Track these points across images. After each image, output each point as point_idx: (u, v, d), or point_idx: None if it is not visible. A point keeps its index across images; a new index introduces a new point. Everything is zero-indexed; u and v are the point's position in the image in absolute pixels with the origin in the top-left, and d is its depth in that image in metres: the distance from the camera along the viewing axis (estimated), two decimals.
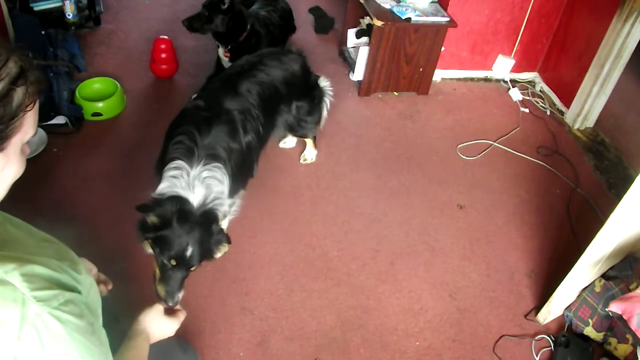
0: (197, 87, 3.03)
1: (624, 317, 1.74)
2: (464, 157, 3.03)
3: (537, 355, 2.09)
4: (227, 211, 2.00)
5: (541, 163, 3.06)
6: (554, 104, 3.53)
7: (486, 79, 3.74)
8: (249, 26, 2.86)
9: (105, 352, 0.91)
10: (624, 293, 1.95)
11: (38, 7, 3.44)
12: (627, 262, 2.05)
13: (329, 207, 2.59)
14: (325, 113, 2.70)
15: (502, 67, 3.64)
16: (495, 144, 3.15)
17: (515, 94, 3.58)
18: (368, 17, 3.33)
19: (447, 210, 2.68)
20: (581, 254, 1.94)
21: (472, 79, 3.72)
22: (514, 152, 3.11)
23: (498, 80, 3.73)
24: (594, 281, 2.10)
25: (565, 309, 2.18)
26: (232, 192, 2.01)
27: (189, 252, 1.67)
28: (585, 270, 2.00)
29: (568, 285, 2.05)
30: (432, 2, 3.26)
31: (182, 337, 1.87)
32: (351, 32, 3.66)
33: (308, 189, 2.68)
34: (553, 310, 2.16)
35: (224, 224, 2.08)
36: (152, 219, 1.69)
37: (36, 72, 0.80)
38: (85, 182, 2.51)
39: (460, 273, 2.38)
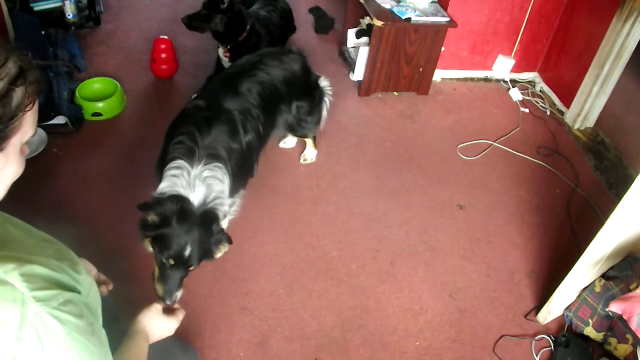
0: (197, 87, 3.03)
1: (624, 317, 1.74)
2: (464, 157, 3.03)
3: (537, 355, 2.09)
4: (228, 211, 2.00)
5: (541, 163, 3.06)
6: (554, 104, 3.53)
7: (486, 79, 3.74)
8: (248, 26, 2.86)
9: (105, 352, 0.91)
10: (624, 293, 1.95)
11: (38, 7, 3.44)
12: (627, 262, 2.05)
13: (329, 207, 2.59)
14: (325, 113, 2.70)
15: (502, 67, 3.64)
16: (495, 144, 3.15)
17: (515, 94, 3.58)
18: (368, 17, 3.33)
19: (447, 210, 2.68)
20: (581, 254, 1.94)
21: (472, 79, 3.72)
22: (514, 152, 3.11)
23: (498, 80, 3.73)
24: (594, 281, 2.10)
25: (565, 309, 2.18)
26: (233, 192, 2.01)
27: (187, 252, 1.67)
28: (585, 270, 2.00)
29: (568, 285, 2.05)
30: (432, 2, 3.26)
31: (182, 337, 1.88)
32: (351, 32, 3.66)
33: (308, 189, 2.68)
34: (553, 310, 2.16)
35: (224, 224, 2.08)
36: (152, 217, 1.69)
37: (35, 72, 0.80)
38: (85, 182, 2.51)
39: (460, 273, 2.38)
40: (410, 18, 3.07)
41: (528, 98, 3.60)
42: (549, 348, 2.12)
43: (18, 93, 0.77)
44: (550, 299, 2.13)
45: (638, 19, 2.86)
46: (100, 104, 2.86)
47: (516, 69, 3.69)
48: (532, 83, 3.74)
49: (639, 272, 1.98)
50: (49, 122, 2.70)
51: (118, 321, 1.28)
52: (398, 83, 3.39)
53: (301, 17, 3.97)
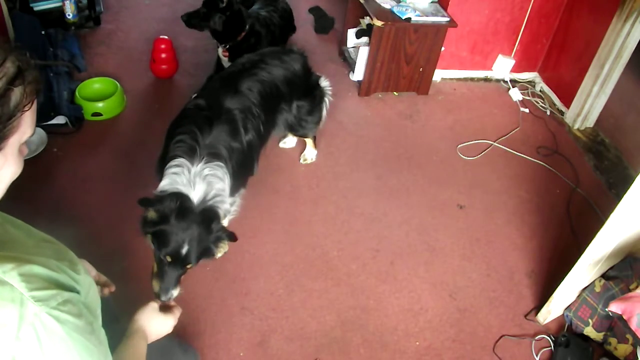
0: (197, 87, 3.03)
1: (624, 317, 1.74)
2: (464, 157, 3.03)
3: (537, 355, 2.09)
4: (228, 209, 2.00)
5: (541, 163, 3.06)
6: (554, 104, 3.53)
7: (486, 79, 3.74)
8: (247, 26, 2.86)
9: (105, 351, 0.91)
10: (624, 293, 1.95)
11: (38, 7, 3.44)
12: (627, 262, 2.05)
13: (329, 207, 2.59)
14: (325, 113, 2.70)
15: (502, 67, 3.64)
16: (495, 144, 3.15)
17: (515, 94, 3.58)
18: (368, 17, 3.33)
19: (447, 210, 2.68)
20: (581, 254, 1.94)
21: (472, 79, 3.72)
22: (514, 152, 3.11)
23: (498, 80, 3.73)
24: (594, 281, 2.10)
25: (565, 309, 2.18)
26: (233, 191, 2.01)
27: (184, 250, 1.67)
28: (585, 270, 2.00)
29: (568, 285, 2.05)
30: (432, 2, 3.26)
31: (182, 337, 1.88)
32: (351, 32, 3.66)
33: (308, 189, 2.68)
34: (553, 310, 2.16)
35: (225, 223, 2.08)
36: (151, 214, 1.69)
37: (34, 72, 0.79)
38: (85, 182, 2.51)
39: (460, 273, 2.38)
40: (410, 18, 3.06)
41: (528, 98, 3.60)
42: (549, 348, 2.12)
43: (16, 93, 0.77)
44: (550, 299, 2.13)
45: (638, 19, 2.86)
46: (100, 104, 2.86)
47: (516, 69, 3.69)
48: (532, 83, 3.74)
49: (639, 272, 1.98)
50: (49, 122, 2.70)
51: (118, 321, 1.28)
52: (398, 83, 3.39)
53: (301, 17, 3.97)
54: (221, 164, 1.89)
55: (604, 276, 2.09)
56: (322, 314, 2.12)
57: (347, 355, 2.00)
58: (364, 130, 3.12)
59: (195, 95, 2.17)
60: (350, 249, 2.40)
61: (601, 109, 3.27)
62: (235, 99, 2.06)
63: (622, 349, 2.01)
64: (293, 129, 2.55)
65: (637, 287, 1.91)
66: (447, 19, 3.15)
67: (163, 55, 3.18)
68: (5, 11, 2.99)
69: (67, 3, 3.40)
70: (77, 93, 2.87)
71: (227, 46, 2.91)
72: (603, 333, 2.07)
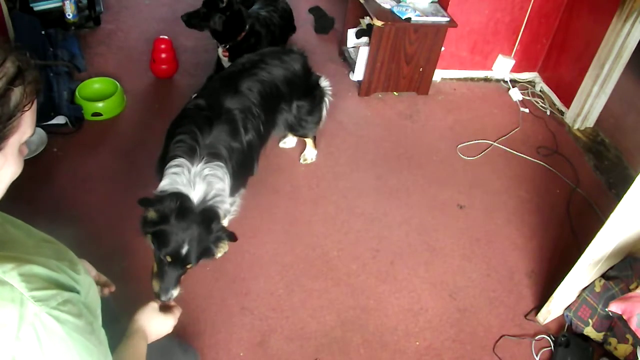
0: (197, 87, 3.03)
1: (624, 317, 1.74)
2: (464, 157, 3.03)
3: (537, 355, 2.09)
4: (228, 209, 2.00)
5: (541, 163, 3.06)
6: (554, 104, 3.53)
7: (486, 79, 3.74)
8: (247, 26, 2.86)
9: (105, 351, 0.91)
10: (624, 293, 1.95)
11: (38, 7, 3.44)
12: (627, 262, 2.05)
13: (329, 207, 2.59)
14: (324, 113, 2.70)
15: (502, 67, 3.64)
16: (495, 144, 3.15)
17: (515, 94, 3.58)
18: (368, 17, 3.33)
19: (447, 210, 2.68)
20: (581, 254, 1.94)
21: (472, 79, 3.72)
22: (514, 152, 3.11)
23: (498, 80, 3.73)
24: (594, 281, 2.10)
25: (565, 309, 2.18)
26: (233, 191, 2.01)
27: (184, 250, 1.67)
28: (585, 270, 2.00)
29: (568, 285, 2.05)
30: (432, 2, 3.26)
31: (182, 337, 1.88)
32: (351, 32, 3.66)
33: (308, 189, 2.68)
34: (553, 310, 2.16)
35: (225, 223, 2.08)
36: (151, 214, 1.69)
37: (34, 72, 0.79)
38: (85, 182, 2.51)
39: (460, 273, 2.38)
40: (410, 18, 3.06)
41: (528, 98, 3.60)
42: (549, 348, 2.12)
43: (16, 93, 0.77)
44: (550, 299, 2.13)
45: (638, 19, 2.86)
46: (100, 104, 2.86)
47: (516, 69, 3.69)
48: (532, 83, 3.74)
49: (639, 272, 1.98)
50: (49, 122, 2.70)
51: (118, 321, 1.28)
52: (398, 83, 3.39)
53: (301, 17, 3.97)
54: (221, 164, 1.89)
55: (604, 276, 2.09)
56: (322, 314, 2.12)
57: (347, 355, 2.00)
58: (364, 130, 3.12)
59: (195, 95, 2.18)
60: (350, 249, 2.40)
61: (601, 109, 3.27)
62: (235, 99, 2.06)
63: (622, 349, 2.01)
64: (293, 129, 2.55)
65: (637, 287, 1.91)
66: (447, 19, 3.15)
67: (163, 55, 3.18)
68: (5, 11, 2.99)
69: (67, 3, 3.40)
70: (77, 93, 2.87)
71: (227, 46, 2.91)
72: (603, 333, 2.07)
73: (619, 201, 1.77)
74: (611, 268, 2.09)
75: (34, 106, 0.82)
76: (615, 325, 2.02)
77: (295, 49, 2.52)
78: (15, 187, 0.87)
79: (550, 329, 2.19)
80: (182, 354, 1.48)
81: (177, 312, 1.32)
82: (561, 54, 3.49)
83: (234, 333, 2.00)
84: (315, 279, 2.25)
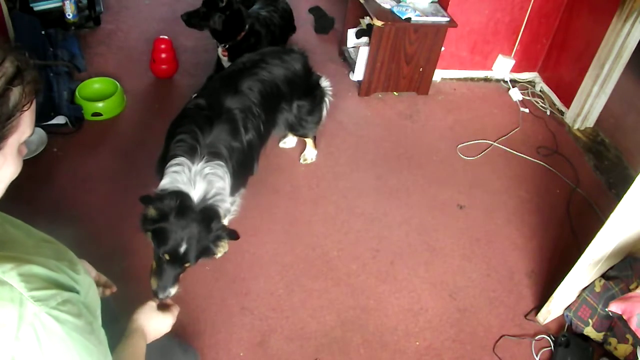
0: (197, 87, 3.03)
1: (624, 317, 1.74)
2: (464, 157, 3.03)
3: (537, 355, 2.09)
4: (229, 209, 2.00)
5: (541, 163, 3.06)
6: (554, 104, 3.53)
7: (486, 79, 3.74)
8: (247, 26, 2.86)
9: (104, 351, 0.91)
10: (624, 293, 1.95)
11: (38, 7, 3.44)
12: (627, 262, 2.05)
13: (329, 207, 2.59)
14: (325, 113, 2.70)
15: (502, 67, 3.64)
16: (495, 144, 3.15)
17: (515, 94, 3.58)
18: (368, 17, 3.33)
19: (447, 210, 2.68)
20: (581, 254, 1.94)
21: (472, 79, 3.72)
22: (514, 152, 3.11)
23: (498, 80, 3.73)
24: (594, 281, 2.10)
25: (565, 309, 2.18)
26: (233, 191, 2.01)
27: (183, 248, 1.67)
28: (585, 270, 2.00)
29: (568, 285, 2.05)
30: (432, 2, 3.26)
31: (182, 337, 1.88)
32: (351, 32, 3.66)
33: (308, 189, 2.68)
34: (553, 310, 2.16)
35: (225, 223, 2.08)
36: (151, 211, 1.70)
37: (33, 72, 0.79)
38: (85, 182, 2.51)
39: (460, 273, 2.38)
40: (410, 18, 3.06)
41: (528, 98, 3.60)
42: (549, 348, 2.12)
43: (15, 93, 0.77)
44: (550, 299, 2.12)
45: (638, 19, 2.86)
46: (100, 104, 2.86)
47: (516, 69, 3.69)
48: (532, 83, 3.74)
49: (639, 272, 1.98)
50: (49, 122, 2.70)
51: (118, 321, 1.28)
52: (398, 83, 3.39)
53: (301, 17, 3.97)
54: (222, 163, 1.89)
55: (604, 276, 2.09)
56: (322, 314, 2.12)
57: (347, 355, 2.00)
58: (364, 130, 3.12)
59: (196, 95, 2.18)
60: (350, 249, 2.40)
61: (601, 109, 3.27)
62: (235, 99, 2.06)
63: (622, 349, 2.01)
64: (293, 128, 2.55)
65: (637, 287, 1.91)
66: (447, 19, 3.15)
67: (163, 55, 3.18)
68: (5, 11, 2.99)
69: (67, 3, 3.40)
70: (77, 93, 2.87)
71: (227, 46, 2.91)
72: (603, 333, 2.07)
73: (619, 201, 1.77)
74: (611, 268, 2.09)
75: (33, 106, 0.82)
76: (615, 325, 2.02)
77: (296, 48, 2.52)
78: (15, 187, 0.87)
79: (550, 329, 2.19)
80: (182, 354, 1.48)
81: (176, 311, 1.32)
82: (561, 54, 3.49)
83: (234, 333, 2.00)
84: (315, 279, 2.25)
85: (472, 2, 3.30)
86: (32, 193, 2.37)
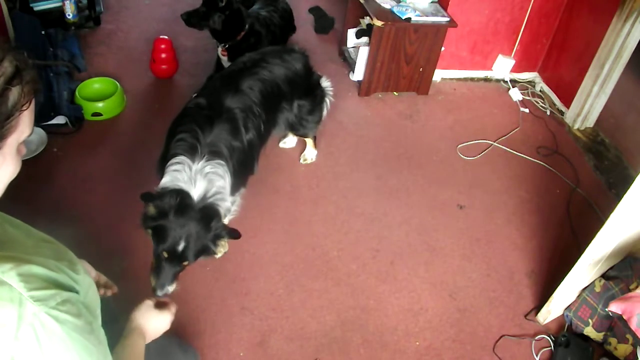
0: (197, 87, 3.02)
1: (624, 317, 1.74)
2: (464, 157, 3.03)
3: (537, 355, 2.09)
4: (229, 207, 2.00)
5: (541, 163, 3.05)
6: (554, 104, 3.53)
7: (486, 79, 3.74)
8: (247, 26, 2.86)
9: (104, 351, 0.91)
10: (624, 293, 1.95)
11: (38, 7, 3.44)
12: (627, 262, 2.05)
13: (329, 207, 2.59)
14: (325, 113, 2.70)
15: (502, 67, 3.64)
16: (495, 144, 3.15)
17: (515, 94, 3.58)
18: (368, 17, 3.33)
19: (447, 210, 2.68)
20: (581, 254, 1.94)
21: (472, 79, 3.72)
22: (514, 152, 3.11)
23: (498, 80, 3.73)
24: (594, 281, 2.10)
25: (565, 309, 2.18)
26: (233, 190, 2.02)
27: (181, 247, 1.68)
28: (585, 270, 2.00)
29: (568, 285, 2.05)
30: (432, 2, 3.26)
31: (182, 337, 1.88)
32: (351, 32, 3.66)
33: (308, 189, 2.68)
34: (553, 310, 2.16)
35: (225, 222, 2.08)
36: (150, 209, 1.70)
37: (32, 72, 0.80)
38: (85, 182, 2.51)
39: (460, 273, 2.38)
40: (410, 18, 3.06)
41: (528, 98, 3.60)
42: (549, 348, 2.12)
43: (14, 93, 0.77)
44: (550, 299, 2.12)
45: (638, 19, 2.86)
46: (100, 104, 2.86)
47: (516, 69, 3.69)
48: (532, 83, 3.74)
49: (639, 272, 1.98)
50: (49, 122, 2.70)
51: (117, 321, 1.28)
52: (398, 83, 3.38)
53: (301, 17, 3.97)
54: (222, 162, 1.90)
55: (604, 276, 2.09)
56: (322, 314, 2.12)
57: (347, 355, 2.00)
58: (364, 130, 3.12)
59: (196, 94, 2.18)
60: (350, 249, 2.40)
61: (601, 109, 3.27)
62: (236, 98, 2.06)
63: (622, 349, 2.01)
64: (294, 128, 2.55)
65: (637, 287, 1.91)
66: (447, 19, 3.15)
67: (163, 55, 3.18)
68: (5, 11, 2.99)
69: (67, 3, 3.40)
70: (77, 93, 2.87)
71: (227, 46, 2.91)
72: (603, 333, 2.07)
73: (619, 201, 1.77)
74: (611, 268, 2.09)
75: (32, 106, 0.82)
76: (615, 325, 2.02)
77: (297, 48, 2.51)
78: (15, 187, 0.87)
79: (550, 329, 2.19)
80: (182, 354, 1.48)
81: (173, 308, 1.31)
82: (561, 54, 3.49)
83: (234, 333, 2.00)
84: (315, 279, 2.25)
85: (472, 2, 3.30)
86: (32, 193, 2.37)
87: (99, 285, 1.27)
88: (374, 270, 2.33)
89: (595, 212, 2.76)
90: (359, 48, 3.40)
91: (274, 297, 2.15)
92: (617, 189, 2.90)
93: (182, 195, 1.74)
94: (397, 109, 3.34)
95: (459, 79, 3.69)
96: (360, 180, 2.77)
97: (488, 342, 2.12)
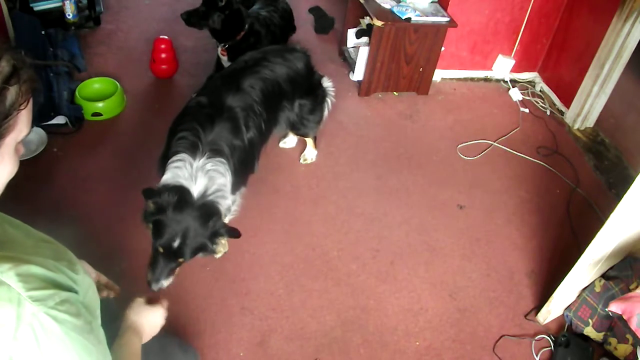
0: (197, 87, 3.02)
1: (624, 317, 1.74)
2: (464, 157, 3.03)
3: (537, 355, 2.09)
4: (230, 205, 2.00)
5: (541, 163, 3.05)
6: (554, 104, 3.53)
7: (486, 79, 3.74)
8: (247, 25, 2.86)
9: (104, 350, 0.91)
10: (624, 293, 1.95)
11: (38, 7, 3.44)
12: (627, 262, 2.05)
13: (329, 207, 2.59)
14: (326, 113, 2.70)
15: (502, 67, 3.64)
16: (495, 144, 3.15)
17: (515, 94, 3.58)
18: (368, 17, 3.33)
19: (447, 210, 2.68)
20: (581, 254, 1.94)
21: (472, 79, 3.72)
22: (514, 152, 3.11)
23: (498, 80, 3.73)
24: (594, 281, 2.10)
25: (565, 309, 2.18)
26: (234, 189, 2.02)
27: (176, 243, 1.69)
28: (585, 270, 2.00)
29: (568, 285, 2.05)
30: (432, 2, 3.25)
31: (182, 337, 1.88)
32: (351, 32, 3.66)
33: (308, 189, 2.68)
34: (553, 310, 2.16)
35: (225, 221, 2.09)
36: (149, 205, 1.71)
37: (29, 71, 0.80)
38: (85, 182, 2.51)
39: (460, 273, 2.37)
40: (410, 18, 3.06)
41: (528, 98, 3.60)
42: (549, 348, 2.12)
43: (12, 92, 0.77)
44: (550, 299, 2.12)
45: (638, 19, 2.86)
46: (100, 104, 2.86)
47: (516, 69, 3.69)
48: (532, 83, 3.74)
49: (639, 272, 1.98)
50: (49, 122, 2.70)
51: (117, 320, 1.28)
52: (398, 83, 3.38)
53: (301, 17, 3.97)
54: (223, 160, 1.90)
55: (604, 276, 2.09)
56: (322, 314, 2.12)
57: (347, 355, 2.00)
58: (364, 130, 3.12)
59: (196, 94, 2.18)
60: (350, 249, 2.40)
61: (601, 109, 3.27)
62: (237, 97, 2.06)
63: (622, 349, 2.01)
64: (294, 127, 2.54)
65: (637, 287, 1.91)
66: (447, 19, 3.15)
67: (163, 55, 3.18)
68: (5, 11, 2.99)
69: (67, 3, 3.40)
70: (77, 93, 2.87)
71: (226, 45, 2.91)
72: (603, 333, 2.07)
73: (619, 201, 1.77)
74: (611, 268, 2.09)
75: (30, 105, 0.82)
76: (615, 325, 2.02)
77: (299, 47, 2.50)
78: (15, 187, 0.87)
79: (550, 329, 2.19)
80: (182, 354, 1.48)
81: (165, 302, 1.30)
82: (561, 54, 3.49)
83: (234, 333, 2.00)
84: (315, 279, 2.25)
85: (472, 2, 3.30)
86: (32, 193, 2.37)
87: (99, 285, 1.27)
88: (374, 270, 2.33)
89: (595, 212, 2.76)
90: (359, 48, 3.40)
91: (274, 297, 2.15)
92: (617, 189, 2.90)
93: (181, 191, 1.75)
94: (397, 109, 3.34)
95: (459, 79, 3.69)
96: (360, 180, 2.77)
97: (488, 342, 2.12)
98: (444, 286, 2.31)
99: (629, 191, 1.74)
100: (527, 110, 3.47)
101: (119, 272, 2.05)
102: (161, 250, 1.70)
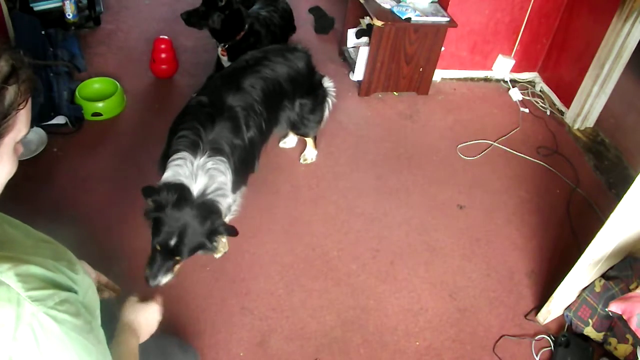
0: (197, 87, 3.02)
1: (624, 317, 1.74)
2: (464, 157, 3.03)
3: (537, 355, 2.09)
4: (230, 204, 2.00)
5: (541, 163, 3.05)
6: (554, 104, 3.53)
7: (486, 79, 3.74)
8: (247, 25, 2.86)
9: (103, 350, 0.91)
10: (624, 293, 1.94)
11: (38, 7, 3.44)
12: (627, 262, 2.05)
13: (329, 207, 2.59)
14: (327, 113, 2.70)
15: (502, 67, 3.64)
16: (495, 144, 3.15)
17: (515, 94, 3.58)
18: (368, 17, 3.33)
19: (447, 210, 2.68)
20: (581, 254, 1.94)
21: (472, 79, 3.72)
22: (514, 152, 3.11)
23: (498, 80, 3.73)
24: (594, 281, 2.10)
25: (565, 309, 2.18)
26: (234, 188, 2.02)
27: (173, 241, 1.69)
28: (585, 270, 2.00)
29: (568, 285, 2.05)
30: (432, 2, 3.25)
31: (182, 337, 1.88)
32: (351, 32, 3.66)
33: (308, 189, 2.68)
34: (553, 310, 2.16)
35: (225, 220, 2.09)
36: (149, 203, 1.72)
37: (28, 71, 0.79)
38: (85, 182, 2.51)
39: (460, 273, 2.37)
40: (410, 18, 3.06)
41: (528, 98, 3.60)
42: (549, 348, 2.12)
43: (10, 92, 0.77)
44: (550, 299, 2.12)
45: (638, 19, 2.86)
46: (100, 104, 2.86)
47: (516, 69, 3.69)
48: (532, 83, 3.74)
49: (639, 272, 1.98)
50: (49, 122, 2.70)
51: (117, 320, 1.28)
52: (398, 83, 3.38)
53: (301, 17, 3.97)
54: (224, 159, 1.90)
55: (604, 276, 2.09)
56: (322, 314, 2.12)
57: (347, 355, 2.00)
58: (364, 130, 3.12)
59: (196, 94, 2.18)
60: (350, 249, 2.40)
61: (601, 109, 3.27)
62: (237, 96, 2.06)
63: (622, 349, 2.01)
64: (295, 127, 2.54)
65: (637, 287, 1.91)
66: (447, 19, 3.15)
67: (163, 55, 3.18)
68: (5, 11, 2.99)
69: (67, 3, 3.40)
70: (77, 93, 2.87)
71: (226, 45, 2.91)
72: (603, 333, 2.07)
73: (619, 201, 1.77)
74: (611, 268, 2.09)
75: (29, 105, 0.82)
76: (615, 325, 2.02)
77: (300, 47, 2.50)
78: (15, 187, 0.87)
79: (550, 329, 2.19)
80: (182, 354, 1.48)
81: (159, 298, 1.29)
82: (561, 54, 3.49)
83: (234, 333, 2.00)
84: (315, 279, 2.25)
85: (472, 2, 3.30)
86: (31, 193, 2.37)
87: (100, 286, 1.27)
88: (374, 270, 2.33)
89: (595, 212, 2.76)
90: (359, 48, 3.40)
91: (274, 297, 2.15)
92: (617, 189, 2.90)
93: (181, 189, 1.75)
94: (397, 109, 3.34)
95: (459, 79, 3.69)
96: (360, 180, 2.77)
97: (488, 342, 2.12)
98: (444, 286, 2.31)
99: (629, 191, 1.74)
100: (527, 110, 3.47)
101: (119, 272, 2.04)
102: (158, 248, 1.71)
